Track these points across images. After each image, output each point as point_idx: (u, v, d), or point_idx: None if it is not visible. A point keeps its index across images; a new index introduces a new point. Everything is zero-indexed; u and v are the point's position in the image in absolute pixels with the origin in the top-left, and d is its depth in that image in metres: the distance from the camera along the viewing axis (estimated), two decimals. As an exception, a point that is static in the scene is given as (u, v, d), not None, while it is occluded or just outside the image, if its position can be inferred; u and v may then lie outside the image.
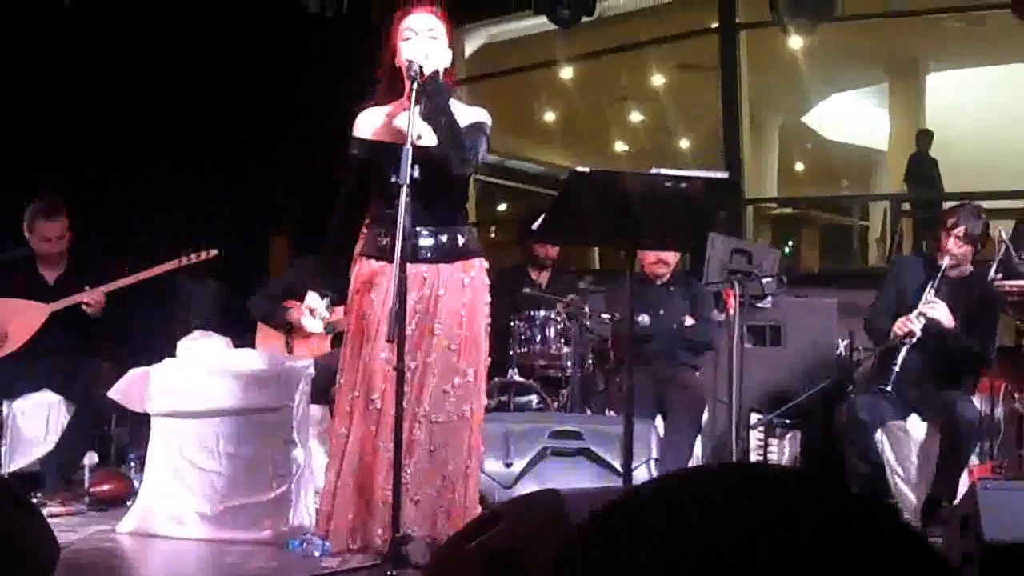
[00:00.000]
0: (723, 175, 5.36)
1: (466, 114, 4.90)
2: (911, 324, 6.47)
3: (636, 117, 17.25)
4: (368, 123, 5.00)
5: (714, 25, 11.00)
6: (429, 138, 4.73)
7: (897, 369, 6.45)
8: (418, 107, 4.63)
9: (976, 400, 6.69)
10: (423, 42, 4.84)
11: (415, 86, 4.62)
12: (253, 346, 7.46)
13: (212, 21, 9.84)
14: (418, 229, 4.74)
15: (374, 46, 5.07)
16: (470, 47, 12.45)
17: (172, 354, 6.49)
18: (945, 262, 6.59)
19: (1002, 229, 7.24)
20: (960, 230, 6.60)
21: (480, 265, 4.99)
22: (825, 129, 17.60)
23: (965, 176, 13.05)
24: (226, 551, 5.73)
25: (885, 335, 6.72)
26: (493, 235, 16.92)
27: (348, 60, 7.61)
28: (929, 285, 6.56)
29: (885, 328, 6.73)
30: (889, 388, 6.44)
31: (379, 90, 5.03)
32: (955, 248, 6.60)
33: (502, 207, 19.34)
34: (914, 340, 6.47)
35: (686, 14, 12.10)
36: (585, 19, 9.85)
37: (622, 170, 4.97)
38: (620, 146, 17.59)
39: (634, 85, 15.63)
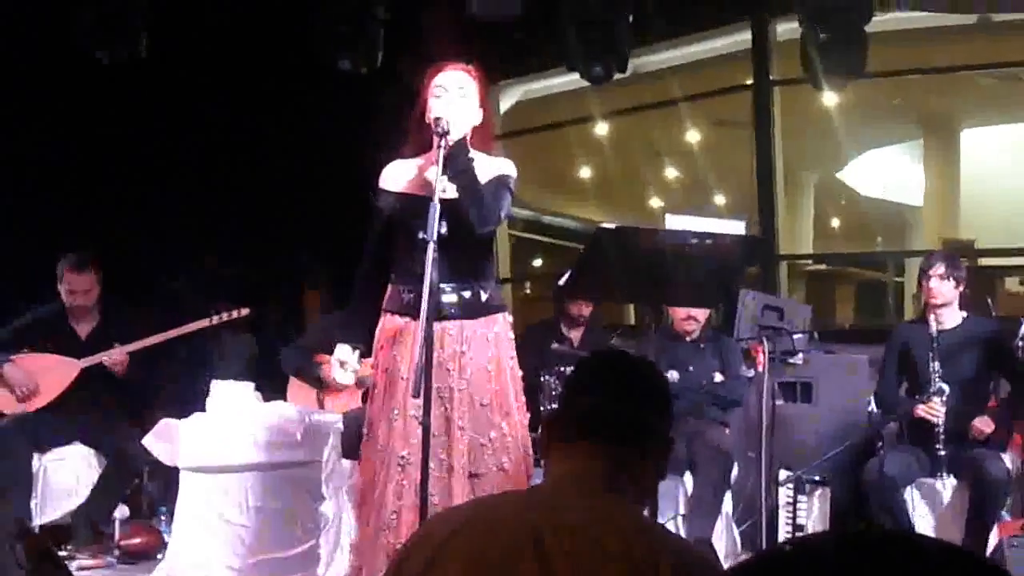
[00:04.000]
0: (743, 231, 5.36)
1: (490, 168, 4.90)
2: (935, 413, 6.57)
3: (671, 173, 17.26)
4: (395, 176, 5.00)
5: (748, 82, 11.02)
6: (454, 193, 4.74)
7: (943, 435, 6.56)
8: (444, 166, 4.64)
9: (1007, 456, 6.69)
10: (453, 100, 4.86)
11: (442, 144, 4.64)
12: (285, 399, 7.48)
13: (245, 80, 9.94)
14: (442, 285, 4.70)
15: (406, 103, 5.10)
16: (505, 104, 12.50)
17: (201, 408, 6.54)
18: (933, 324, 6.69)
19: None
20: (936, 268, 6.77)
21: (504, 320, 4.98)
22: (860, 185, 17.59)
23: (1000, 233, 13.01)
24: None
25: (898, 408, 6.88)
26: (528, 291, 16.93)
27: (381, 117, 7.65)
28: (930, 359, 6.65)
29: (896, 402, 6.91)
30: (942, 451, 6.54)
31: (406, 144, 5.05)
32: (937, 286, 6.75)
33: (537, 263, 19.36)
34: (943, 417, 6.56)
35: (720, 71, 12.12)
36: (618, 76, 9.87)
37: (648, 227, 4.96)
38: (655, 202, 17.59)
39: (668, 141, 15.65)
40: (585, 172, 17.08)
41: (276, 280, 10.26)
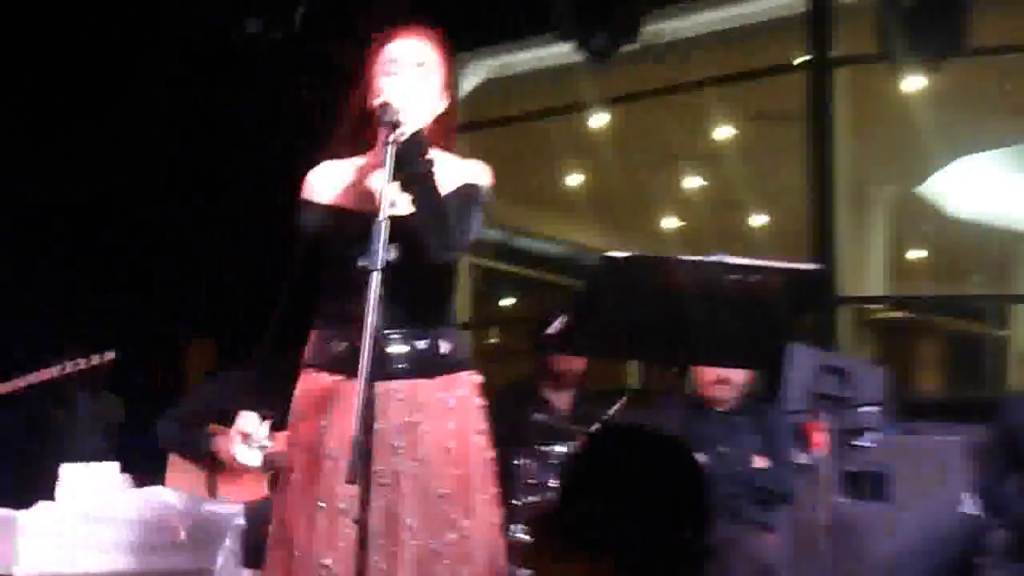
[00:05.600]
0: (810, 266, 5.40)
1: (457, 173, 4.88)
2: None
3: (692, 183, 17.28)
4: (325, 184, 4.95)
5: (800, 60, 11.08)
6: (407, 207, 4.68)
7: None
8: (395, 170, 4.59)
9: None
10: (409, 80, 4.83)
11: (391, 139, 4.59)
12: (164, 484, 7.45)
13: (111, 50, 9.92)
14: (388, 332, 4.67)
15: (338, 84, 5.07)
16: (467, 84, 12.51)
17: (49, 495, 6.51)
18: None
19: None
20: None
21: (470, 380, 4.95)
22: (951, 205, 17.66)
23: None
24: None
25: (1011, 511, 6.87)
26: (495, 340, 16.94)
27: (302, 102, 7.64)
28: None
29: (1007, 503, 6.88)
30: None
31: (341, 138, 5.01)
32: None
33: (508, 302, 19.36)
34: None
35: (762, 45, 12.17)
36: (626, 48, 9.91)
37: (671, 256, 4.97)
38: (669, 222, 17.62)
39: (690, 140, 15.67)
40: (575, 179, 17.09)
41: (151, 327, 10.22)
